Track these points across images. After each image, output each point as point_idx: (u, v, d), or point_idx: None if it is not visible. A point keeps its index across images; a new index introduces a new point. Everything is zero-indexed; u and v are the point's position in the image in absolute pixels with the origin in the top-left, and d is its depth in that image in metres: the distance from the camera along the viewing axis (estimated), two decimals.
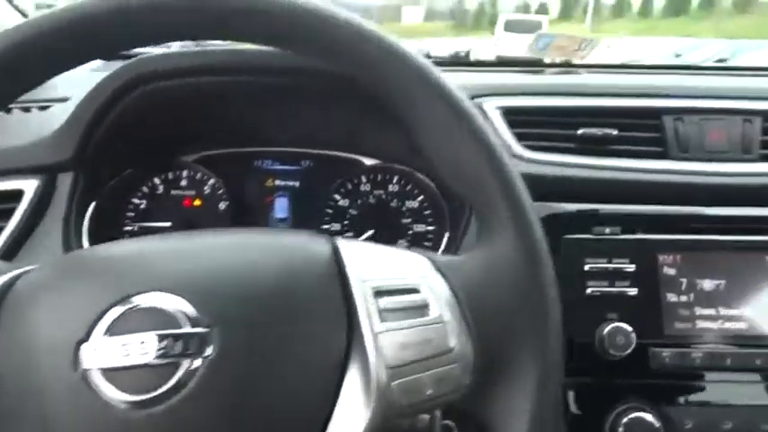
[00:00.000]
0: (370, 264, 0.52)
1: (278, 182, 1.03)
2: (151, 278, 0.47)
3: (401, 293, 0.50)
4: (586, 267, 0.82)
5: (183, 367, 0.43)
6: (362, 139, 0.97)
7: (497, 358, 0.50)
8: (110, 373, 0.43)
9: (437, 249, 0.96)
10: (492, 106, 0.89)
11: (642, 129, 0.87)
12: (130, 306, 0.45)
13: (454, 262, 0.54)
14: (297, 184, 1.04)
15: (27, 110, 0.95)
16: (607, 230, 0.83)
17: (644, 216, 0.85)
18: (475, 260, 0.53)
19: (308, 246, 0.52)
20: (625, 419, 0.78)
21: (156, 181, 1.01)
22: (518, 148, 0.87)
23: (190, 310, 0.45)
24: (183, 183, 1.01)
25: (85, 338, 0.44)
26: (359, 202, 1.03)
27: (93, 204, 0.90)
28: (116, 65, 0.85)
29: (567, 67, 1.39)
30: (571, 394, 0.81)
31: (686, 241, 0.84)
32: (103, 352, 0.43)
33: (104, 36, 0.49)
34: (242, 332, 0.46)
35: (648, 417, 0.78)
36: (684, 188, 0.85)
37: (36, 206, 0.81)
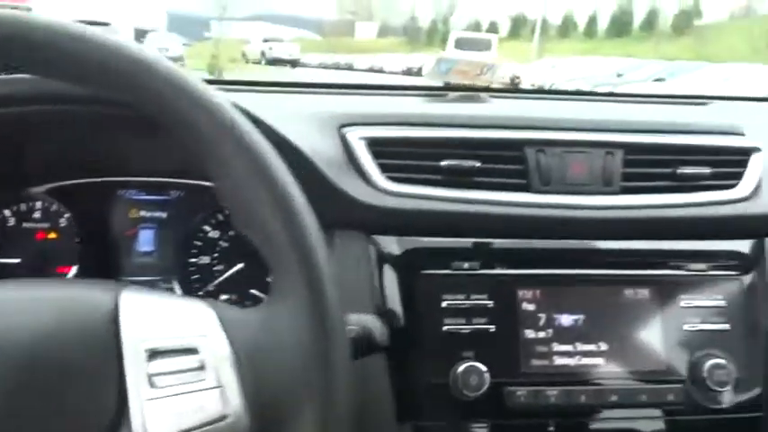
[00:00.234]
0: (150, 321, 0.48)
1: (143, 213, 0.98)
2: None
3: (177, 354, 0.46)
4: (443, 304, 0.80)
5: None
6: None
7: (275, 427, 0.47)
8: None
9: None
10: (356, 136, 0.86)
11: (505, 161, 0.86)
12: None
13: (241, 318, 0.50)
14: (164, 214, 0.99)
15: None
16: (466, 265, 0.82)
17: (504, 250, 0.84)
18: (263, 318, 0.50)
19: (86, 301, 0.48)
20: None
21: (7, 213, 0.94)
22: (381, 180, 0.84)
23: None
24: (37, 215, 0.94)
25: None
26: (230, 233, 0.99)
27: None
28: None
29: (472, 91, 1.39)
30: None
31: (546, 276, 0.83)
32: None
33: None
34: (1, 399, 0.42)
35: None
36: (545, 221, 0.84)
37: None
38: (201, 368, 0.46)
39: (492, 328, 0.80)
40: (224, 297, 0.97)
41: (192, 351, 0.47)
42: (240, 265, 0.97)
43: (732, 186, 0.90)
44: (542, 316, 0.81)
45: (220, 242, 0.98)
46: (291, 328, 0.47)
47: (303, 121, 0.91)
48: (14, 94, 0.72)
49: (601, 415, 0.80)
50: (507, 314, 0.81)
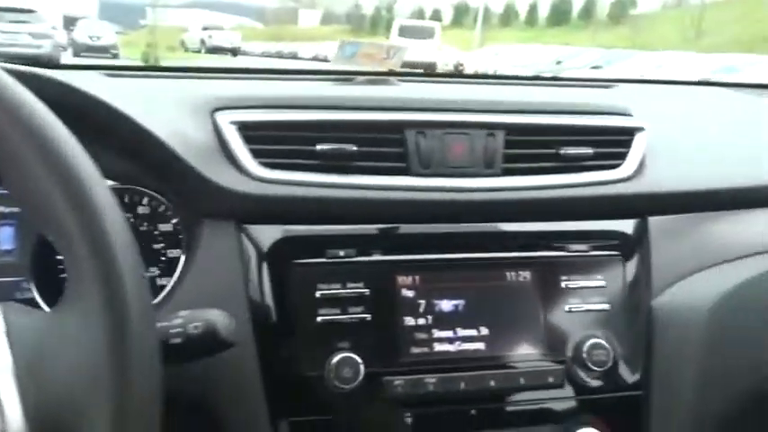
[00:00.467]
0: None
1: (1, 208, 0.90)
2: None
3: None
4: (318, 294, 0.77)
5: None
6: None
7: None
8: None
9: None
10: (227, 121, 0.81)
11: (384, 144, 0.83)
12: None
13: (28, 323, 0.45)
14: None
15: None
16: (342, 253, 0.78)
17: (382, 236, 0.81)
18: (51, 323, 0.45)
19: None
20: None
21: None
22: (253, 166, 0.80)
23: None
24: None
25: None
26: None
27: None
28: None
29: (379, 75, 1.36)
30: None
31: (426, 261, 0.81)
32: None
33: None
34: None
35: None
36: (425, 205, 0.82)
37: None
38: None
39: (368, 317, 0.77)
40: None
41: None
42: None
43: (616, 166, 0.90)
44: (422, 302, 0.79)
45: None
46: (82, 334, 0.42)
47: (176, 107, 0.86)
48: None
49: (481, 400, 0.79)
50: (385, 302, 0.78)
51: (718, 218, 0.95)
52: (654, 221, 0.90)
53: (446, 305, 0.80)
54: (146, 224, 0.93)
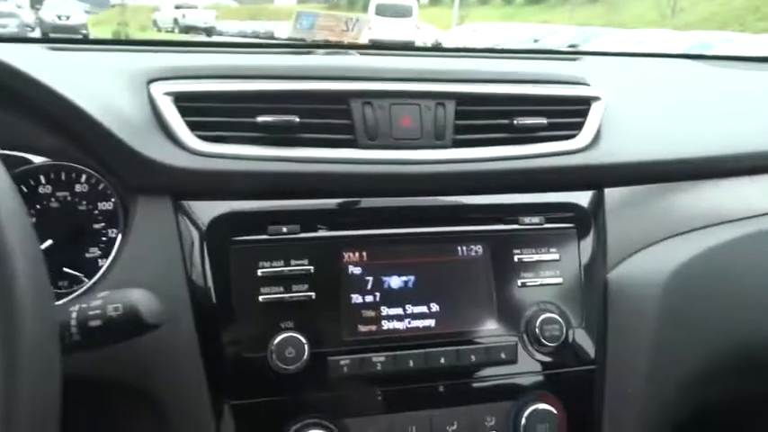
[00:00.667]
0: None
1: None
2: None
3: None
4: (259, 272, 0.74)
5: None
6: (10, 134, 0.82)
7: None
8: None
9: None
10: (161, 92, 0.77)
11: (329, 115, 0.79)
12: None
13: None
14: None
15: None
16: (284, 230, 0.75)
17: (328, 211, 0.78)
18: None
19: None
20: None
21: None
22: (190, 139, 0.76)
23: None
24: None
25: None
26: (38, 206, 0.88)
27: None
28: None
29: (338, 48, 1.31)
30: (242, 418, 0.72)
31: (373, 236, 0.78)
32: None
33: None
34: None
35: None
36: (372, 179, 0.79)
37: None
38: None
39: (313, 295, 0.74)
40: None
41: None
42: (49, 242, 0.86)
43: (571, 137, 0.87)
44: (369, 279, 0.76)
45: None
46: None
47: (112, 80, 0.82)
48: None
49: (431, 379, 0.77)
50: (330, 280, 0.75)
51: (674, 189, 0.93)
52: (610, 193, 0.88)
53: (395, 282, 0.77)
54: (84, 203, 0.89)
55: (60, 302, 0.62)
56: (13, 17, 11.60)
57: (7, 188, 0.41)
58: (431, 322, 0.77)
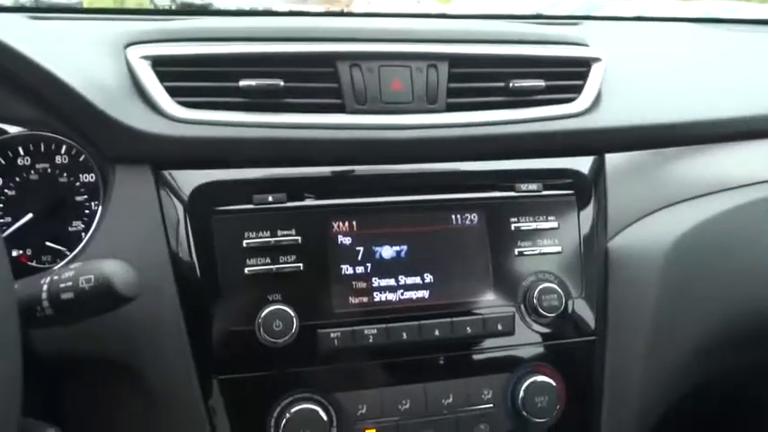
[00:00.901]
0: None
1: None
2: None
3: None
4: (245, 243, 0.71)
5: None
6: None
7: None
8: None
9: None
10: (137, 56, 0.73)
11: (315, 78, 0.75)
12: None
13: None
14: None
15: None
16: (270, 199, 0.72)
17: (316, 179, 0.75)
18: None
19: None
20: (289, 414, 0.69)
21: None
22: (169, 105, 0.73)
23: None
24: None
25: None
26: (16, 179, 0.85)
27: None
28: None
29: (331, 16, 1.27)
30: (230, 393, 0.70)
31: (364, 205, 0.75)
32: None
33: None
34: None
35: (315, 408, 0.69)
36: (362, 145, 0.75)
37: None
38: None
39: (301, 266, 0.71)
40: (16, 253, 0.84)
41: None
42: (29, 216, 0.83)
43: (570, 100, 0.84)
44: (360, 250, 0.74)
45: (5, 191, 0.84)
46: None
47: (89, 47, 0.78)
48: None
49: (425, 351, 0.74)
50: (319, 250, 0.72)
51: (676, 155, 0.90)
52: (610, 159, 0.85)
53: (386, 252, 0.74)
54: (65, 175, 0.86)
55: (32, 276, 0.59)
56: None
57: None
58: (424, 293, 0.74)
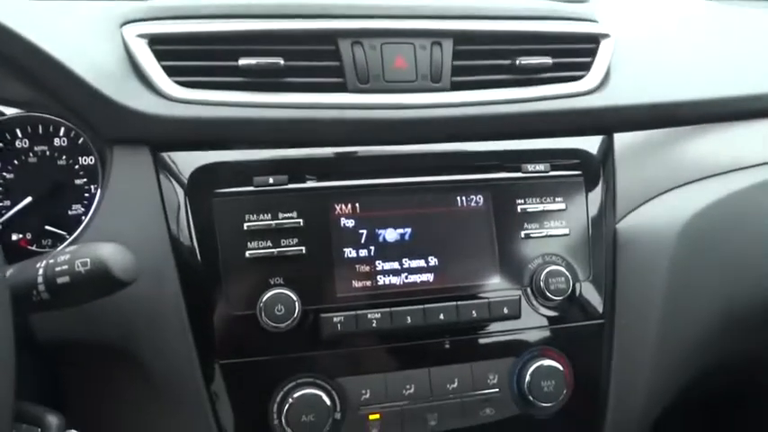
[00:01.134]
0: None
1: None
2: None
3: None
4: (245, 226, 0.69)
5: None
6: None
7: None
8: None
9: None
10: (134, 34, 0.72)
11: (316, 56, 0.73)
12: None
13: None
14: None
15: None
16: (271, 180, 0.71)
17: (317, 160, 0.73)
18: None
19: None
20: (291, 399, 0.68)
21: None
22: (167, 85, 0.71)
23: None
24: None
25: None
26: (15, 162, 0.83)
27: None
28: None
29: None
30: (232, 378, 0.69)
31: (367, 187, 0.73)
32: None
33: None
34: None
35: (318, 393, 0.68)
36: (364, 125, 0.74)
37: None
38: None
39: (303, 249, 0.70)
40: (16, 237, 0.83)
41: None
42: (28, 199, 0.82)
43: (578, 78, 0.81)
44: (363, 232, 0.72)
45: (3, 174, 0.83)
46: None
47: (86, 25, 0.76)
48: None
49: (430, 335, 0.73)
50: (321, 233, 0.71)
51: (686, 134, 0.87)
52: (619, 138, 0.83)
53: (390, 235, 0.73)
54: (64, 157, 0.84)
55: (27, 260, 0.58)
56: None
57: None
58: (429, 277, 0.73)
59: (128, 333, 0.69)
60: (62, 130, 0.84)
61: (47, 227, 0.84)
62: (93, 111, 0.70)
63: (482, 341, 0.75)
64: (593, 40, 0.83)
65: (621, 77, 0.84)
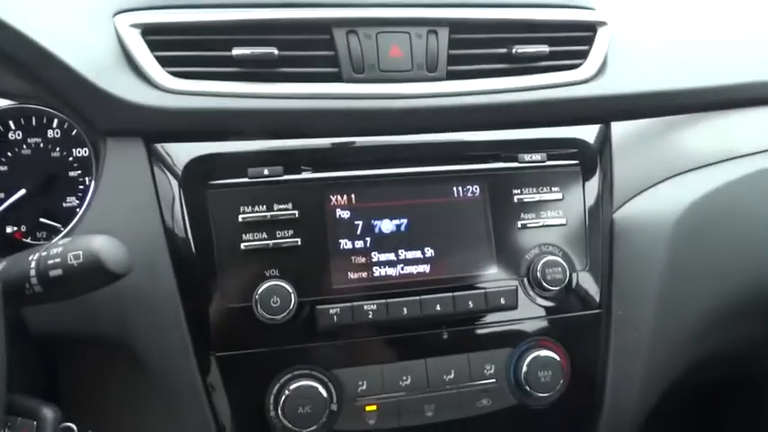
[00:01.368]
0: None
1: None
2: None
3: None
4: (240, 218, 0.69)
5: None
6: None
7: None
8: None
9: None
10: (126, 24, 0.71)
11: (310, 46, 0.73)
12: None
13: None
14: None
15: None
16: (266, 172, 0.70)
17: (312, 151, 0.72)
18: None
19: None
20: (288, 391, 0.68)
21: None
22: (160, 76, 0.70)
23: None
24: None
25: None
26: (8, 154, 0.83)
27: None
28: None
29: None
30: (228, 370, 0.69)
31: (362, 177, 0.73)
32: None
33: None
34: None
35: (315, 384, 0.68)
36: (360, 115, 0.73)
37: None
38: None
39: (299, 241, 0.70)
40: (10, 229, 0.83)
41: None
42: (22, 192, 0.82)
43: (575, 66, 0.81)
44: (359, 223, 0.72)
45: None
46: None
47: (77, 15, 0.75)
48: None
49: (427, 327, 0.73)
50: (317, 224, 0.70)
51: (684, 123, 0.87)
52: (616, 127, 0.82)
53: (386, 226, 0.72)
54: (58, 149, 0.84)
55: (20, 253, 0.57)
56: None
57: None
58: (425, 268, 0.73)
59: (122, 326, 0.68)
60: (55, 121, 0.84)
61: (41, 219, 0.83)
62: (86, 102, 0.70)
63: (479, 332, 0.75)
64: (591, 28, 0.82)
65: (619, 66, 0.83)
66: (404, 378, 0.71)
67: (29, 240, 0.82)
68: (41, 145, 0.83)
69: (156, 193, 0.69)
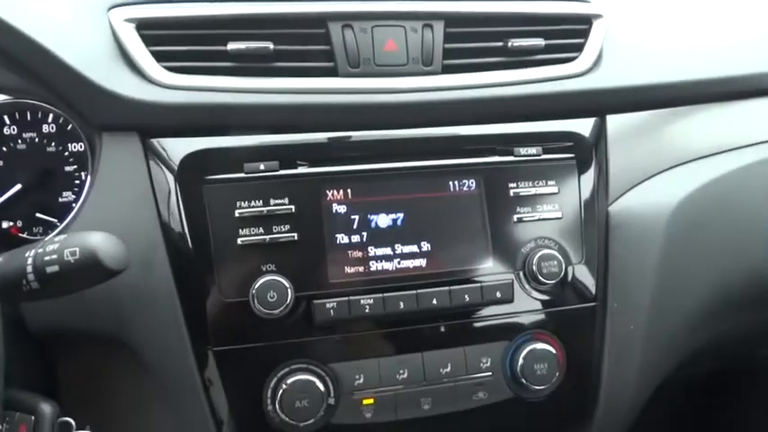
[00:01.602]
0: None
1: None
2: None
3: None
4: (237, 213, 0.69)
5: None
6: None
7: None
8: None
9: None
10: (121, 18, 0.71)
11: (306, 40, 0.73)
12: None
13: None
14: None
15: None
16: (262, 167, 0.70)
17: (308, 146, 0.72)
18: None
19: None
20: (285, 385, 0.68)
21: None
22: (156, 70, 0.70)
23: None
24: None
25: None
26: (4, 149, 0.83)
27: None
28: None
29: None
30: (226, 364, 0.70)
31: (358, 172, 0.73)
32: None
33: None
34: None
35: (312, 378, 0.69)
36: (355, 109, 0.73)
37: None
38: None
39: (295, 236, 0.70)
40: (6, 225, 0.83)
41: None
42: (18, 187, 0.82)
43: (571, 59, 0.81)
44: (355, 218, 0.72)
45: None
46: None
47: (71, 9, 0.75)
48: None
49: (423, 320, 0.73)
50: (313, 219, 0.71)
51: (679, 115, 0.87)
52: (612, 120, 0.82)
53: (382, 220, 0.73)
54: (53, 144, 0.84)
55: (17, 249, 0.57)
56: None
57: None
58: (421, 262, 0.73)
59: (120, 321, 0.68)
60: (51, 116, 0.83)
61: (37, 214, 0.83)
62: (81, 97, 0.70)
63: (475, 325, 0.75)
64: (586, 21, 0.82)
65: (614, 59, 0.83)
66: (401, 371, 0.72)
67: (25, 235, 0.82)
68: (37, 140, 0.83)
69: (152, 188, 0.70)
